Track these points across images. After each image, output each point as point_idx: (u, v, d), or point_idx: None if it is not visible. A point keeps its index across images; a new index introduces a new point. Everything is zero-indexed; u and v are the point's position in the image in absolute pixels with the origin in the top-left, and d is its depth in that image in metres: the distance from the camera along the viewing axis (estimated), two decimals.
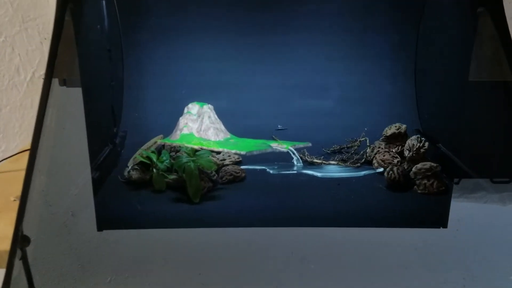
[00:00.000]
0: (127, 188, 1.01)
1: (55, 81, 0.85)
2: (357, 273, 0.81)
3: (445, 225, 0.90)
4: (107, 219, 0.91)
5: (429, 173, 0.99)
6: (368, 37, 1.32)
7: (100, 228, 0.88)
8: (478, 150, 1.05)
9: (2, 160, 1.18)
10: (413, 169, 1.01)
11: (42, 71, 1.32)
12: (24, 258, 0.74)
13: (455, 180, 1.02)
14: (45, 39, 1.29)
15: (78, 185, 0.95)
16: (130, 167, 1.03)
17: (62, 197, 0.92)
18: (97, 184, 0.97)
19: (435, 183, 0.98)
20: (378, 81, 1.32)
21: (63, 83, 0.88)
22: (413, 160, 1.04)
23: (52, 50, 0.84)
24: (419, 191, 0.99)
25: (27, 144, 0.97)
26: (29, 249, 0.75)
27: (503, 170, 1.01)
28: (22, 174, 0.76)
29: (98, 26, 1.08)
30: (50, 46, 0.84)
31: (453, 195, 0.99)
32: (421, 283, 0.80)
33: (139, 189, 1.00)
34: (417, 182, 1.00)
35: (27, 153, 0.78)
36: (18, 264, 0.73)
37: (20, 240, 0.73)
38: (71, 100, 0.93)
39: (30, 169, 0.77)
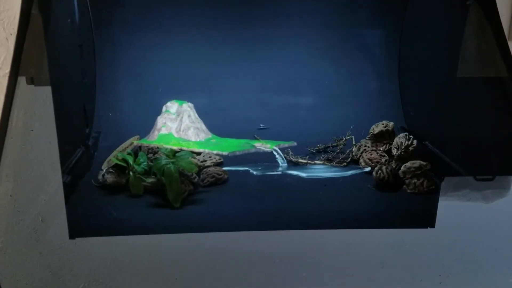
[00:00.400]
0: (102, 192, 0.97)
1: (22, 80, 0.84)
2: (344, 276, 0.83)
3: (433, 225, 0.90)
4: (80, 226, 0.87)
5: (419, 172, 0.97)
6: (352, 33, 1.30)
7: (72, 235, 0.85)
8: (462, 147, 1.04)
9: None
10: (402, 167, 0.98)
11: (7, 69, 1.26)
12: None
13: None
14: (11, 34, 1.22)
15: (49, 190, 0.92)
16: (104, 171, 1.00)
17: (31, 203, 0.90)
18: (69, 189, 0.93)
19: (425, 182, 0.96)
20: (363, 78, 1.31)
21: (31, 81, 0.87)
22: (402, 159, 1.02)
23: (18, 46, 0.82)
24: (408, 191, 0.96)
25: None
26: None
27: (486, 167, 1.00)
28: None
29: (69, 19, 1.04)
30: (15, 41, 0.82)
31: None
32: (402, 281, 0.82)
33: (114, 194, 0.96)
34: (407, 181, 0.97)
35: None
36: None
37: None
38: (39, 100, 0.91)
39: None
